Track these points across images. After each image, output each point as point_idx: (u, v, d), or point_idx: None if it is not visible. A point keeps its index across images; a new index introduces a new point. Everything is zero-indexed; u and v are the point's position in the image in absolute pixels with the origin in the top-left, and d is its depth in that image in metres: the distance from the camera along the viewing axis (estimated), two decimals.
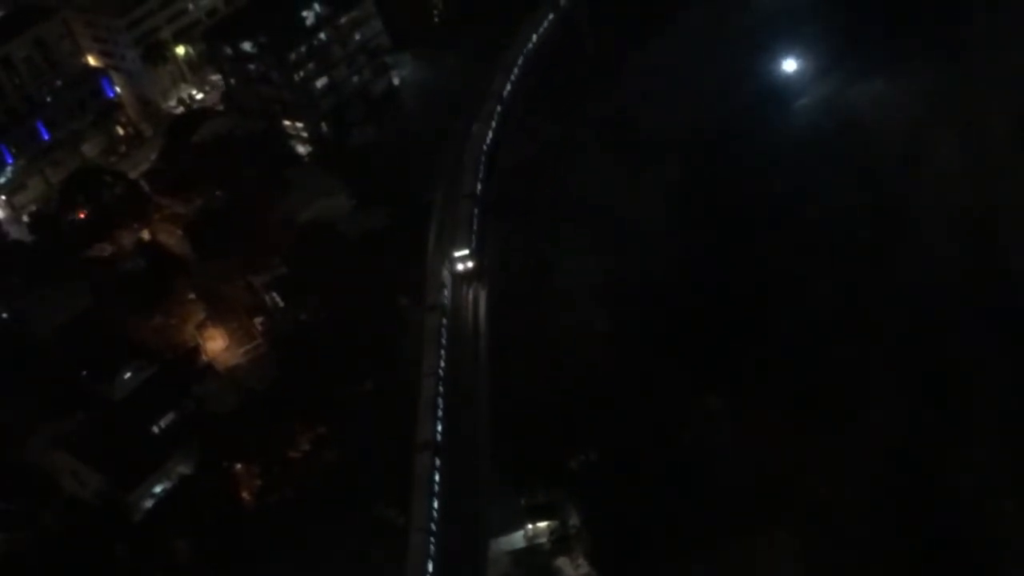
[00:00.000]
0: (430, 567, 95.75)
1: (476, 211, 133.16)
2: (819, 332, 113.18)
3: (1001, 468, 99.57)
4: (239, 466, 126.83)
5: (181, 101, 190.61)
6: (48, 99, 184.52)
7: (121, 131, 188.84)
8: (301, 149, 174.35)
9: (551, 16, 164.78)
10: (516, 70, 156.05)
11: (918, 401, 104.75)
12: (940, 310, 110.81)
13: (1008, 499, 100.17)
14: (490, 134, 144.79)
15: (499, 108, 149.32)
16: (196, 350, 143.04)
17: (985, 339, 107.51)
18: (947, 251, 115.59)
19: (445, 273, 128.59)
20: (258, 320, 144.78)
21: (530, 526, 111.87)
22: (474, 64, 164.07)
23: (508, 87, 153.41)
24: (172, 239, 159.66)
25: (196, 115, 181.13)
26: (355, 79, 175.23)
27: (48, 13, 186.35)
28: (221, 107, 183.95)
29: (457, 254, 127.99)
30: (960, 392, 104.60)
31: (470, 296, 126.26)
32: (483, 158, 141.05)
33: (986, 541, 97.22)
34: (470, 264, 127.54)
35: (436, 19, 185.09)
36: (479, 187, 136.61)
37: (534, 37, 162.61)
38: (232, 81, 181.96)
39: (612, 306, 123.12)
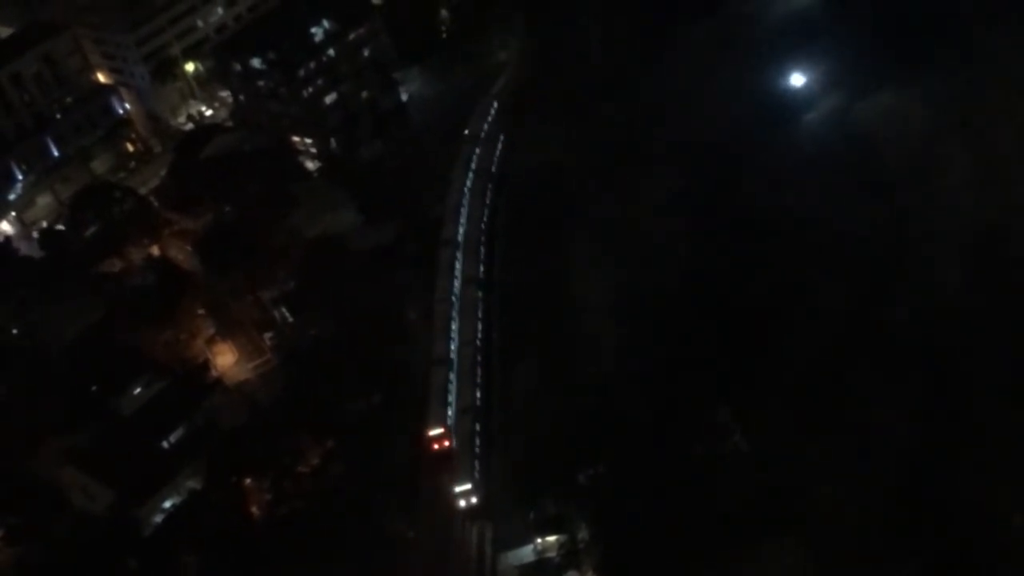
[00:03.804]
0: None
1: (478, 427, 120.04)
2: (829, 344, 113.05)
3: (1013, 480, 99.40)
4: (248, 480, 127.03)
5: (190, 117, 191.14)
6: (57, 115, 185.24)
7: (130, 147, 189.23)
8: (310, 164, 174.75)
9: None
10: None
11: (929, 413, 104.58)
12: (951, 323, 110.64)
13: (1017, 514, 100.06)
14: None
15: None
16: (205, 365, 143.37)
17: (997, 351, 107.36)
18: (959, 264, 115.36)
19: None
20: (267, 335, 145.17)
21: (539, 540, 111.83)
22: (481, 79, 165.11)
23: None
24: (181, 254, 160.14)
25: (205, 131, 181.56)
26: (363, 94, 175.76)
27: (58, 30, 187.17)
28: (230, 123, 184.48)
29: (458, 489, 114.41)
30: (968, 408, 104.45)
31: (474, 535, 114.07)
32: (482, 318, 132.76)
33: (997, 553, 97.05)
34: (473, 500, 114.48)
35: (444, 34, 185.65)
36: (479, 397, 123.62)
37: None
38: (241, 97, 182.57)
39: (621, 318, 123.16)
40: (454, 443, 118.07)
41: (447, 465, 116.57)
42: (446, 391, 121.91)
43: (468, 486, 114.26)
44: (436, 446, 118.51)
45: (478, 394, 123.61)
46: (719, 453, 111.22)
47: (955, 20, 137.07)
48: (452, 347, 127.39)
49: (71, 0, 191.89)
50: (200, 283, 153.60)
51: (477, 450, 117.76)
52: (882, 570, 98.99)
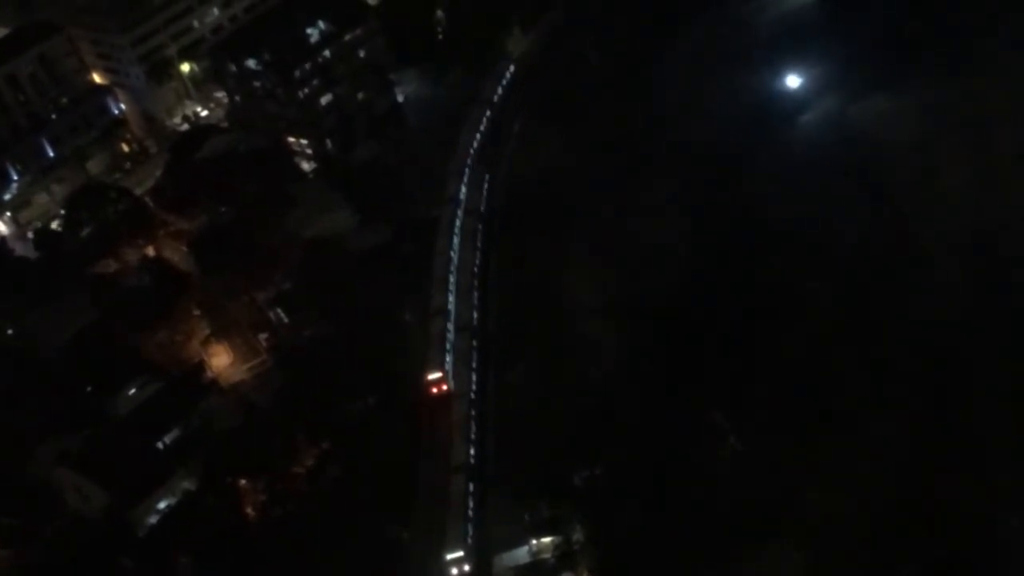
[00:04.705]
0: None
1: (471, 487, 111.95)
2: (824, 349, 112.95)
3: (1012, 481, 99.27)
4: (243, 482, 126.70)
5: (186, 118, 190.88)
6: (53, 116, 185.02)
7: (126, 148, 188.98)
8: (305, 165, 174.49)
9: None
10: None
11: (928, 414, 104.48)
12: (947, 328, 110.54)
13: (1014, 516, 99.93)
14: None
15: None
16: (201, 366, 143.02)
17: (993, 357, 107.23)
18: (955, 268, 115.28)
19: None
20: (262, 336, 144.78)
21: (534, 541, 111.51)
22: (477, 80, 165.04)
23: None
24: (177, 255, 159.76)
25: (200, 132, 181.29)
26: (359, 96, 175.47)
27: (54, 30, 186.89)
28: (226, 124, 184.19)
29: (449, 557, 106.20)
30: (966, 410, 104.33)
31: None
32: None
33: (997, 554, 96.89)
34: (466, 569, 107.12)
35: (440, 35, 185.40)
36: (472, 453, 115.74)
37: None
38: (237, 98, 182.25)
39: (617, 322, 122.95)
40: (451, 386, 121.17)
41: (444, 416, 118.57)
42: (444, 339, 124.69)
43: (460, 553, 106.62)
44: (435, 390, 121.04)
45: (472, 451, 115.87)
46: (715, 455, 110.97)
47: (952, 21, 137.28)
48: (450, 299, 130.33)
49: (68, 0, 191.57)
50: (195, 284, 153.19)
51: (470, 512, 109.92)
52: (881, 571, 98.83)
